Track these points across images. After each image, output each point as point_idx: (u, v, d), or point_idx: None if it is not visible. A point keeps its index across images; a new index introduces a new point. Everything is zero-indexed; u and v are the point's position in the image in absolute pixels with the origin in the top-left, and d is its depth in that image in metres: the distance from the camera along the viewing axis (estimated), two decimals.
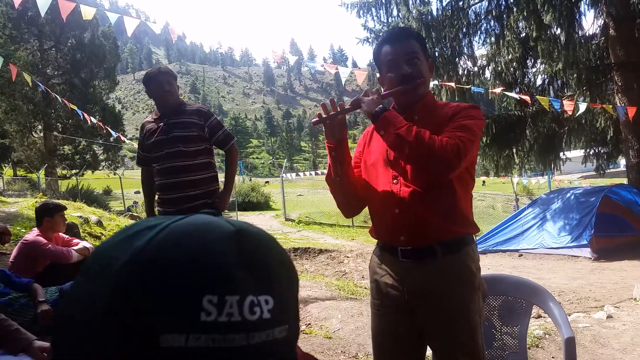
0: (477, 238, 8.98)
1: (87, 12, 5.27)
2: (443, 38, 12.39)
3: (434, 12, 13.25)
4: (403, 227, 1.67)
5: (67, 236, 3.91)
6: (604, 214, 8.81)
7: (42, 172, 20.78)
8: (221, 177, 3.68)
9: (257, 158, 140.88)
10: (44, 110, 23.24)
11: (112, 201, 24.99)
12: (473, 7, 13.03)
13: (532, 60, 13.37)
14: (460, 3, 12.83)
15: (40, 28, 23.32)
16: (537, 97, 9.29)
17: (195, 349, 0.41)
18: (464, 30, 12.87)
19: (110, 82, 27.07)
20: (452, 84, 9.62)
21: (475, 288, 1.65)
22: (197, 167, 3.15)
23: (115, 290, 0.41)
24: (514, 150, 13.41)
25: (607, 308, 4.86)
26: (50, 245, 3.62)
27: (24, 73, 8.11)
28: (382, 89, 1.79)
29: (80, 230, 7.15)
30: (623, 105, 10.26)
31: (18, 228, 6.30)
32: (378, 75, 1.85)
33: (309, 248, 9.79)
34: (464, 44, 13.07)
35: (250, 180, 31.86)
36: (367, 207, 1.91)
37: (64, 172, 25.73)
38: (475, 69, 13.50)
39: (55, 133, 24.29)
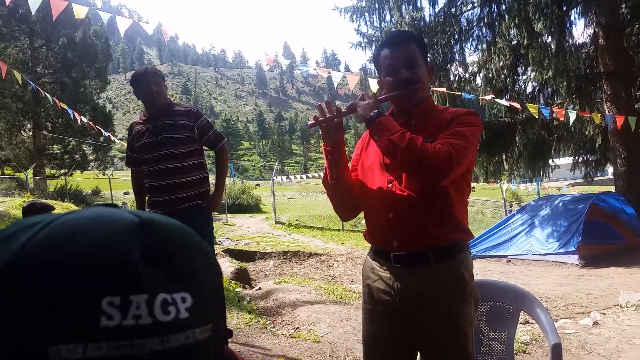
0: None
1: (80, 11, 5.23)
2: (435, 44, 12.46)
3: (427, 18, 13.35)
4: (396, 232, 1.67)
5: None
6: (591, 221, 8.89)
7: (30, 172, 20.56)
8: (211, 178, 3.67)
9: (248, 160, 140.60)
10: (33, 109, 23.03)
11: (101, 202, 24.77)
12: (465, 14, 13.14)
13: (523, 68, 13.50)
14: (453, 10, 12.93)
15: (31, 26, 23.13)
16: (527, 104, 9.36)
17: None
18: (456, 36, 12.97)
19: (101, 82, 26.90)
20: (443, 90, 9.67)
21: (468, 295, 1.65)
22: (188, 169, 3.13)
23: None
24: (504, 156, 13.53)
25: (594, 314, 4.91)
26: None
27: (14, 71, 8.03)
28: (382, 92, 1.79)
29: None
30: (611, 114, 10.38)
31: None
32: (377, 79, 1.85)
33: (298, 251, 9.77)
34: (455, 50, 13.17)
35: (242, 182, 31.73)
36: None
37: (53, 171, 25.50)
38: (467, 75, 13.60)
39: (44, 132, 24.08)
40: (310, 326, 4.48)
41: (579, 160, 14.42)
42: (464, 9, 13.06)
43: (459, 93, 9.39)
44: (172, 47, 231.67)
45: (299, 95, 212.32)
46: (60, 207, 9.82)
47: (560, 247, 8.75)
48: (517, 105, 9.47)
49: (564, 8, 11.87)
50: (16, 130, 23.76)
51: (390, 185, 1.68)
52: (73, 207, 11.04)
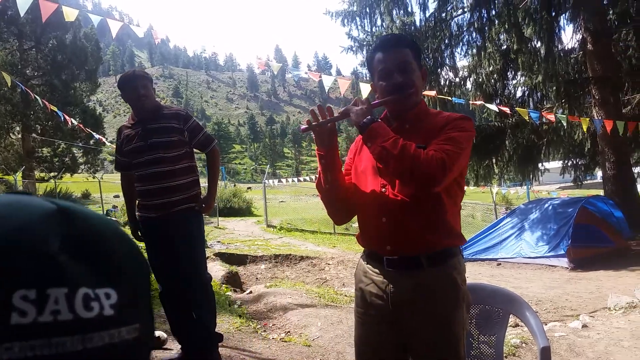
0: None
1: (70, 14, 5.21)
2: (426, 49, 12.54)
3: (417, 23, 13.44)
4: (389, 236, 1.67)
5: None
6: (580, 224, 8.96)
7: (19, 175, 20.37)
8: (202, 181, 3.66)
9: (239, 163, 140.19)
10: (22, 111, 22.82)
11: (91, 205, 24.57)
12: (455, 19, 13.25)
13: (513, 73, 13.62)
14: (443, 15, 13.03)
15: (20, 28, 22.94)
16: (517, 109, 9.44)
17: None
18: (447, 41, 13.06)
19: (92, 85, 26.71)
20: (434, 94, 9.73)
21: (460, 300, 1.66)
22: (179, 172, 3.12)
23: None
24: (494, 160, 13.63)
25: (583, 317, 4.94)
26: None
27: (3, 73, 7.96)
28: (375, 95, 1.80)
29: None
30: (600, 118, 10.49)
31: None
32: (370, 82, 1.85)
33: (290, 255, 9.75)
34: (446, 55, 13.27)
35: (235, 185, 31.62)
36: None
37: (42, 174, 25.27)
38: (457, 79, 13.70)
39: (33, 135, 23.86)
40: (301, 330, 4.47)
41: (569, 164, 14.58)
42: (454, 14, 13.16)
43: (449, 98, 9.44)
44: (163, 49, 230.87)
45: (291, 99, 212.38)
46: None
47: (550, 250, 8.81)
48: (507, 110, 9.53)
49: (553, 14, 12.01)
50: (5, 132, 23.53)
51: (383, 189, 1.68)
52: None
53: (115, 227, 0.42)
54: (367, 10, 13.62)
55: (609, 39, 11.69)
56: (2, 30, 22.74)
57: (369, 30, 13.88)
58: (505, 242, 9.74)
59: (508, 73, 13.58)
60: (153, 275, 3.46)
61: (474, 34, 13.12)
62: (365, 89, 7.08)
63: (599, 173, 14.05)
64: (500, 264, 9.37)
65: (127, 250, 0.42)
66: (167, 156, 3.07)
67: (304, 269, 9.13)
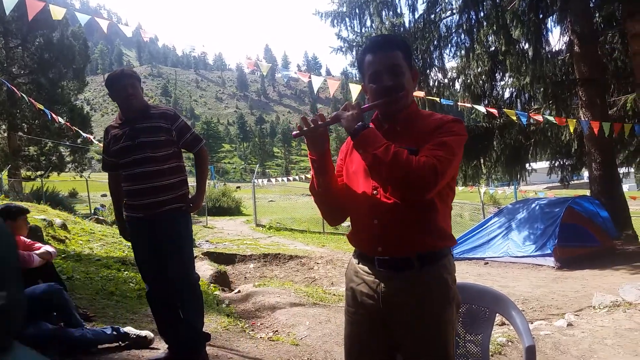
0: None
1: (57, 12, 5.16)
2: (415, 50, 12.58)
3: (407, 24, 13.48)
4: (381, 238, 1.67)
5: (28, 240, 3.81)
6: (567, 224, 9.06)
7: (5, 173, 20.10)
8: (191, 181, 3.65)
9: (228, 163, 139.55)
10: (8, 110, 22.56)
11: (78, 204, 24.38)
12: (444, 21, 13.30)
13: (501, 74, 13.72)
14: (432, 16, 13.08)
15: (6, 26, 22.68)
16: (505, 110, 9.53)
17: None
18: (435, 42, 13.11)
19: (79, 83, 26.50)
20: (422, 95, 9.77)
21: (450, 300, 1.67)
22: (167, 172, 3.10)
23: None
24: (482, 160, 13.72)
25: (568, 316, 5.00)
26: None
27: None
28: (366, 96, 1.79)
29: (44, 234, 6.97)
30: (587, 119, 10.61)
31: None
32: (361, 83, 1.84)
33: (279, 254, 9.75)
34: (435, 56, 13.31)
35: (225, 185, 31.51)
36: None
37: (29, 173, 24.99)
38: (446, 80, 13.77)
39: (20, 133, 23.61)
40: (289, 329, 4.48)
41: (556, 165, 14.72)
42: (443, 15, 13.22)
43: (438, 99, 9.49)
44: (152, 48, 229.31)
45: (281, 98, 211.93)
46: (36, 209, 9.63)
47: (537, 249, 8.90)
48: (494, 111, 9.60)
49: (541, 16, 12.11)
50: None
51: (375, 192, 1.69)
52: (49, 209, 10.84)
53: None
54: (357, 11, 13.64)
55: (596, 41, 11.83)
56: None
57: (359, 31, 13.89)
58: (493, 241, 9.82)
59: (496, 74, 13.67)
60: (140, 275, 3.45)
61: (462, 36, 13.19)
62: (355, 90, 7.10)
63: (585, 173, 14.20)
64: (487, 263, 9.45)
65: None
66: (154, 156, 3.05)
67: (292, 268, 9.14)
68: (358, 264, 1.79)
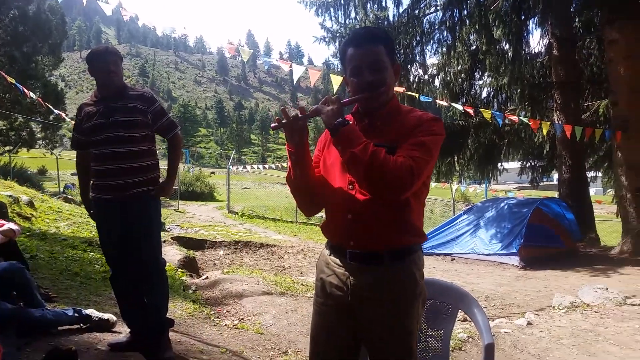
0: None
1: None
2: (397, 44, 12.61)
3: (391, 18, 13.50)
4: (354, 233, 1.69)
5: None
6: (534, 225, 9.25)
7: None
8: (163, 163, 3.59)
9: (204, 147, 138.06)
10: None
11: (47, 182, 23.86)
12: (428, 17, 13.38)
13: (480, 73, 13.88)
14: (416, 12, 13.13)
15: None
16: (481, 109, 9.64)
17: None
18: (418, 38, 13.18)
19: (55, 59, 25.71)
20: (402, 90, 9.82)
21: (417, 295, 1.70)
22: (138, 154, 3.04)
23: None
24: (456, 158, 13.90)
25: (528, 315, 5.13)
26: None
27: None
28: (347, 89, 1.79)
29: (9, 211, 6.81)
30: (560, 123, 10.83)
31: None
32: (343, 75, 1.83)
33: (250, 242, 9.72)
34: (416, 51, 13.40)
35: (200, 170, 31.17)
36: None
37: None
38: (426, 77, 13.88)
39: None
40: (255, 317, 4.48)
41: (527, 166, 15.02)
42: (427, 11, 13.29)
43: (417, 95, 9.55)
44: (132, 27, 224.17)
45: (261, 85, 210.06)
46: (2, 185, 9.39)
47: (503, 248, 9.08)
48: (471, 111, 9.71)
49: (523, 17, 12.28)
50: None
51: (350, 186, 1.69)
52: (16, 185, 10.58)
53: None
54: (342, 1, 13.60)
55: (574, 46, 12.05)
56: None
57: (343, 22, 13.87)
58: (461, 238, 9.98)
59: (475, 73, 13.83)
60: (104, 258, 3.39)
61: (445, 33, 13.29)
62: (336, 81, 7.09)
63: (555, 175, 14.52)
64: (454, 259, 9.61)
65: None
66: (127, 136, 2.99)
67: (263, 256, 9.13)
68: (330, 255, 1.81)
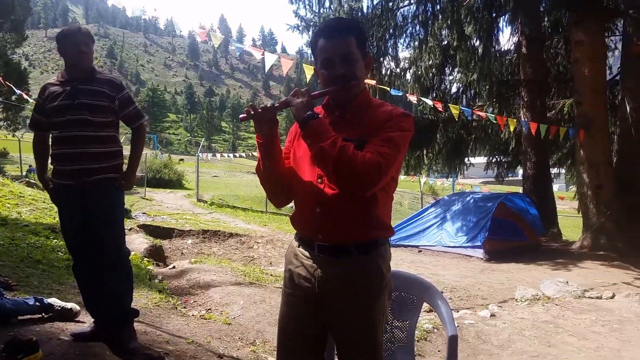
0: None
1: None
2: (370, 36, 12.62)
3: (365, 9, 13.49)
4: (322, 226, 1.70)
5: None
6: (498, 219, 9.47)
7: None
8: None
9: (173, 134, 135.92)
10: None
11: (8, 165, 23.10)
12: (402, 10, 13.43)
13: (450, 69, 14.04)
14: (390, 4, 13.15)
15: None
16: (450, 105, 9.77)
17: None
18: (391, 31, 13.23)
19: (18, 36, 24.79)
20: (374, 83, 9.86)
21: (382, 288, 1.72)
22: (102, 139, 2.97)
23: None
24: (425, 152, 14.07)
25: (492, 307, 5.27)
26: None
27: None
28: (318, 80, 1.78)
29: None
30: (526, 120, 11.07)
31: None
32: (314, 66, 1.81)
33: (218, 231, 9.65)
34: (389, 44, 13.45)
35: (169, 156, 30.61)
36: None
37: None
38: (398, 70, 13.95)
39: None
40: (223, 308, 4.46)
41: (493, 161, 15.33)
42: (401, 4, 13.34)
43: (388, 88, 9.60)
44: (100, 7, 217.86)
45: (233, 72, 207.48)
46: None
47: (468, 241, 9.27)
48: (439, 106, 9.83)
49: (494, 14, 12.45)
50: None
51: (319, 180, 1.70)
52: None
53: None
54: None
55: (542, 44, 12.31)
56: None
57: (317, 11, 13.78)
58: (428, 230, 10.14)
59: (446, 68, 13.99)
60: (66, 246, 3.31)
61: (417, 27, 13.37)
62: (309, 71, 7.05)
63: (520, 171, 14.88)
64: (421, 251, 9.77)
65: None
66: (92, 119, 2.91)
67: (232, 246, 9.08)
68: (298, 247, 1.82)
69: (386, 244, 1.78)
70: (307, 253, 1.77)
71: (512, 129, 10.34)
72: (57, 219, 7.06)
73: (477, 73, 12.42)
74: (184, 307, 4.44)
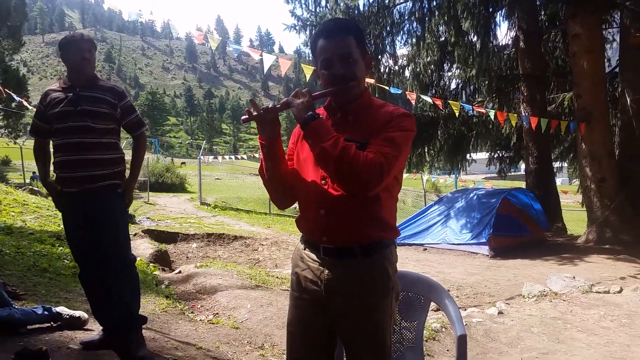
0: None
1: None
2: (368, 34, 12.61)
3: (361, 7, 13.47)
4: (326, 229, 1.70)
5: None
6: (502, 215, 9.45)
7: None
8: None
9: (174, 137, 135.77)
10: None
11: (11, 172, 23.12)
12: (398, 7, 13.40)
13: (449, 65, 14.02)
14: (387, 1, 13.14)
15: None
16: (450, 102, 9.76)
17: None
18: (388, 28, 13.21)
19: (15, 42, 24.83)
20: (372, 81, 9.84)
21: (389, 290, 1.72)
22: (104, 146, 2.98)
23: None
24: (426, 149, 14.05)
25: (499, 304, 5.26)
26: None
27: None
28: (319, 81, 1.78)
29: None
30: (527, 114, 11.05)
31: None
32: (314, 67, 1.82)
33: (223, 234, 9.64)
34: (387, 42, 13.43)
35: (172, 160, 30.55)
36: None
37: None
38: (396, 68, 13.93)
39: None
40: (230, 312, 4.47)
41: (495, 156, 15.30)
42: (397, 1, 13.31)
43: (387, 87, 9.59)
44: (97, 11, 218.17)
45: (231, 73, 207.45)
46: None
47: (473, 238, 9.25)
48: (439, 103, 9.81)
49: (491, 9, 12.42)
50: None
51: (323, 182, 1.69)
52: None
53: None
54: None
55: (540, 38, 12.28)
56: None
57: (313, 10, 13.76)
58: (432, 228, 10.12)
59: (444, 65, 13.96)
60: (72, 254, 3.31)
61: (414, 24, 13.36)
62: (308, 70, 7.05)
63: (522, 166, 14.85)
64: (426, 249, 9.75)
65: None
66: (94, 126, 2.92)
67: (236, 249, 9.08)
68: (304, 249, 1.82)
69: (392, 245, 1.77)
70: (313, 255, 1.77)
71: (513, 123, 10.32)
72: (62, 226, 7.07)
73: (476, 69, 12.38)
74: (192, 312, 4.44)
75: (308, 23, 13.52)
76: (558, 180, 14.35)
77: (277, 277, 6.14)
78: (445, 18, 12.10)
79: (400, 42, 13.92)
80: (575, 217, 13.74)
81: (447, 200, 10.74)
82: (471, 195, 10.35)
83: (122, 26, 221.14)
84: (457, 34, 12.05)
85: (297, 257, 1.85)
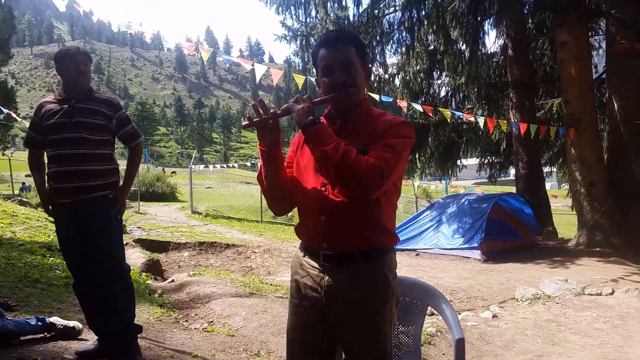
0: None
1: None
2: None
3: (351, 18, 13.58)
4: (327, 235, 1.70)
5: None
6: (493, 219, 9.53)
7: None
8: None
9: (164, 147, 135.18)
10: None
11: (0, 184, 22.87)
12: (387, 17, 13.54)
13: (438, 73, 14.17)
14: (376, 11, 13.27)
15: None
16: (440, 109, 9.85)
17: None
18: (378, 38, 13.33)
19: (3, 55, 24.73)
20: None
21: (389, 296, 1.72)
22: (98, 157, 2.99)
23: None
24: (417, 155, 14.14)
25: (493, 308, 5.28)
26: None
27: None
28: (319, 91, 1.80)
29: None
30: (516, 120, 11.16)
31: None
32: (316, 77, 1.83)
33: (215, 242, 9.60)
34: (377, 51, 13.54)
35: (164, 170, 30.34)
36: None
37: None
38: (386, 76, 14.04)
39: None
40: (225, 320, 4.44)
41: (485, 162, 15.44)
42: (387, 11, 13.45)
43: (377, 96, 9.67)
44: (86, 23, 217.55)
45: (221, 83, 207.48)
46: None
47: (465, 242, 9.31)
48: (429, 111, 9.89)
49: (479, 18, 12.57)
50: None
51: (323, 188, 1.70)
52: None
53: None
54: (302, 0, 13.60)
55: (528, 46, 12.45)
56: None
57: (304, 20, 13.87)
58: (424, 233, 10.17)
59: (434, 73, 14.11)
60: (65, 264, 3.29)
61: (404, 33, 13.49)
62: (299, 80, 7.09)
63: (512, 171, 14.98)
64: (418, 254, 9.78)
65: None
66: (88, 137, 2.93)
67: (229, 257, 9.04)
68: (304, 256, 1.82)
69: (391, 251, 1.78)
70: (312, 262, 1.77)
71: (504, 129, 10.41)
72: (52, 236, 7.01)
73: (465, 76, 12.52)
74: (186, 321, 4.41)
75: (299, 33, 13.62)
76: (547, 185, 14.48)
77: (271, 284, 6.11)
78: (434, 27, 12.23)
79: (390, 51, 14.01)
80: (565, 221, 13.86)
81: (439, 206, 10.80)
82: (462, 200, 10.43)
83: (112, 38, 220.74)
84: (446, 42, 12.18)
85: (296, 264, 1.85)
